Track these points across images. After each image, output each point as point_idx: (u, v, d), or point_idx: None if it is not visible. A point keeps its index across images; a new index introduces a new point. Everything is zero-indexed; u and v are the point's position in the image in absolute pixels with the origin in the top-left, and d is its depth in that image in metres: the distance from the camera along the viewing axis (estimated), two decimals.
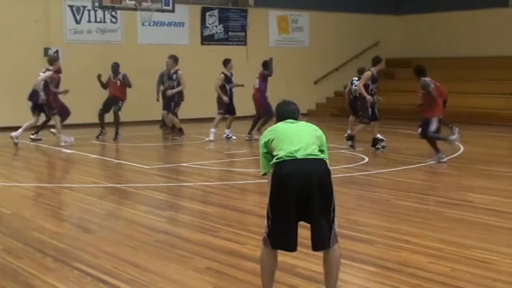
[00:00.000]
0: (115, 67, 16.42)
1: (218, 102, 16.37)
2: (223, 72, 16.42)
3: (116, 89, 16.28)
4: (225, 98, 16.14)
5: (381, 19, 25.80)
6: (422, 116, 12.32)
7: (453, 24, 24.42)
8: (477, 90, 21.49)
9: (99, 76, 16.19)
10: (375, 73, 14.20)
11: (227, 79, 16.38)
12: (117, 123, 16.21)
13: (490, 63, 22.72)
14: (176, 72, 16.05)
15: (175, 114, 16.29)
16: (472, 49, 23.62)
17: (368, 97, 13.96)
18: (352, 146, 14.15)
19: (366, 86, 13.99)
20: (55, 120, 15.16)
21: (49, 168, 12.83)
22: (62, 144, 14.87)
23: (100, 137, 16.20)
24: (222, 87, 16.26)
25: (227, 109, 16.29)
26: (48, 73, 14.99)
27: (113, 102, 16.28)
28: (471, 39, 23.82)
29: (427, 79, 12.26)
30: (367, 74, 14.12)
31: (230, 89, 16.41)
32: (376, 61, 14.44)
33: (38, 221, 7.93)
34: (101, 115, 16.34)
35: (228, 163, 13.07)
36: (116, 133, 16.16)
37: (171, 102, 16.20)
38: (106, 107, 16.39)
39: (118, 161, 12.89)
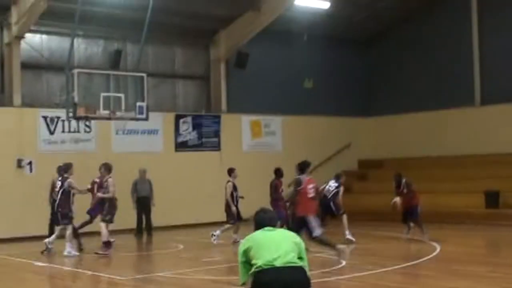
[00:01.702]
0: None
1: (227, 212, 16.35)
2: (229, 181, 16.45)
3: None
4: (234, 208, 16.18)
5: (353, 121, 26.25)
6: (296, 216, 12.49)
7: (424, 124, 24.93)
8: (450, 189, 21.67)
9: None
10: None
11: (235, 187, 16.40)
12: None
13: (462, 161, 23.05)
14: (107, 180, 15.64)
15: (107, 222, 15.38)
16: (443, 149, 24.01)
17: None
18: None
19: None
20: (68, 228, 14.92)
21: (26, 282, 12.49)
22: (65, 254, 14.60)
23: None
24: (231, 196, 16.26)
25: (236, 217, 16.24)
26: (70, 181, 14.89)
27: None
28: (442, 138, 24.26)
29: (301, 176, 12.54)
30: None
31: (237, 197, 16.43)
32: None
33: None
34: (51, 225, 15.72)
35: (205, 271, 12.88)
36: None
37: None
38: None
39: (91, 272, 12.66)
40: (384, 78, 26.44)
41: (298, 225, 12.09)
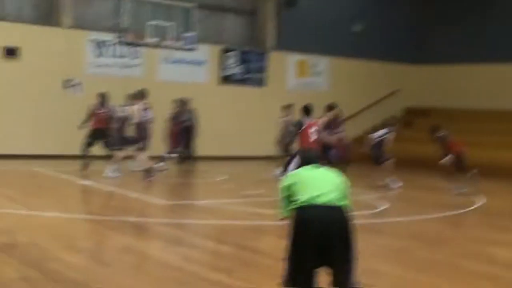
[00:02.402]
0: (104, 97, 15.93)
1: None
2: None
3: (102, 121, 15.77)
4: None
5: (401, 67, 25.89)
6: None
7: (473, 77, 24.46)
8: (498, 143, 21.33)
9: None
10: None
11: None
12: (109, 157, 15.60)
13: (509, 116, 22.67)
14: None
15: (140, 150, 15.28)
16: (491, 102, 23.61)
17: None
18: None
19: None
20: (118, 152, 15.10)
21: (68, 198, 12.79)
22: (110, 174, 14.84)
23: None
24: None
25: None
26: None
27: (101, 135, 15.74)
28: (490, 92, 23.83)
29: (303, 119, 12.66)
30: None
31: None
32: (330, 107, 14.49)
33: (55, 251, 7.88)
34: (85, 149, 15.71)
35: (243, 203, 12.99)
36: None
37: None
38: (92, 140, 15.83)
39: (136, 195, 12.86)
40: (437, 26, 25.84)
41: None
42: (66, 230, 9.42)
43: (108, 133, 15.54)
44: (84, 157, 15.73)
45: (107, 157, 15.49)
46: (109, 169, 15.00)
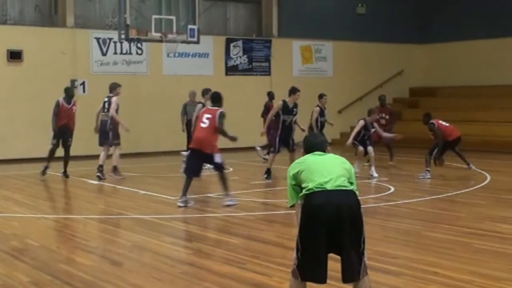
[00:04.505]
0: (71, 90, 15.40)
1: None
2: (318, 105, 16.48)
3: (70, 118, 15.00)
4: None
5: (405, 48, 25.80)
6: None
7: (478, 53, 24.33)
8: (503, 119, 21.29)
9: None
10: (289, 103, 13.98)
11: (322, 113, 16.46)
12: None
13: None
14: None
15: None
16: (497, 78, 23.49)
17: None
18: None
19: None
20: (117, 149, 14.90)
21: (76, 199, 12.87)
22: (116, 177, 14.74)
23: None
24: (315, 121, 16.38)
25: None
26: (115, 99, 14.63)
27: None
28: (496, 67, 23.70)
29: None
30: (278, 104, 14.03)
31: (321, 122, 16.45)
32: (291, 91, 14.15)
33: (65, 253, 7.95)
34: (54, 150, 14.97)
35: (254, 194, 13.03)
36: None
37: None
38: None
39: (144, 192, 12.92)
40: (438, 5, 25.69)
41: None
42: (75, 231, 9.49)
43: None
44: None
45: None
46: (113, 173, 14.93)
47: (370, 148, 14.60)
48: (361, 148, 14.76)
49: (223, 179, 11.07)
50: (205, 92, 16.40)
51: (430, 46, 25.91)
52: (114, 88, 14.99)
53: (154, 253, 7.97)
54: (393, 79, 25.39)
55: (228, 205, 10.88)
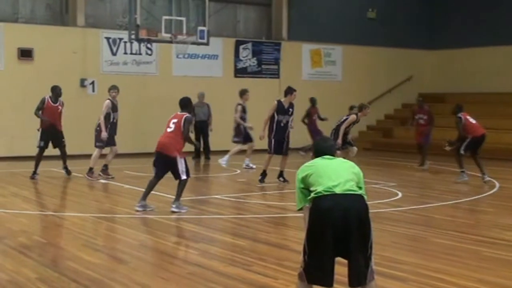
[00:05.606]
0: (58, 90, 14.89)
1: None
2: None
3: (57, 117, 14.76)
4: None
5: (415, 53, 25.76)
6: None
7: (488, 60, 24.26)
8: (510, 126, 21.22)
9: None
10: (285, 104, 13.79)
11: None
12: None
13: None
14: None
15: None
16: (506, 85, 23.43)
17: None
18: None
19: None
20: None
21: (84, 197, 12.90)
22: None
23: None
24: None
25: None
26: (106, 102, 14.58)
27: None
28: (506, 74, 23.64)
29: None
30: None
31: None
32: (287, 91, 13.91)
33: (72, 250, 7.97)
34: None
35: (260, 196, 13.04)
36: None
37: None
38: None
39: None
40: (449, 11, 25.64)
41: None
42: (82, 229, 9.50)
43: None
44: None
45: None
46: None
47: (354, 149, 14.97)
48: (355, 149, 14.82)
49: (180, 185, 10.72)
50: (242, 92, 16.49)
51: (440, 52, 25.86)
52: (108, 90, 14.94)
53: (161, 253, 7.99)
54: (402, 84, 25.35)
55: (174, 212, 10.51)
